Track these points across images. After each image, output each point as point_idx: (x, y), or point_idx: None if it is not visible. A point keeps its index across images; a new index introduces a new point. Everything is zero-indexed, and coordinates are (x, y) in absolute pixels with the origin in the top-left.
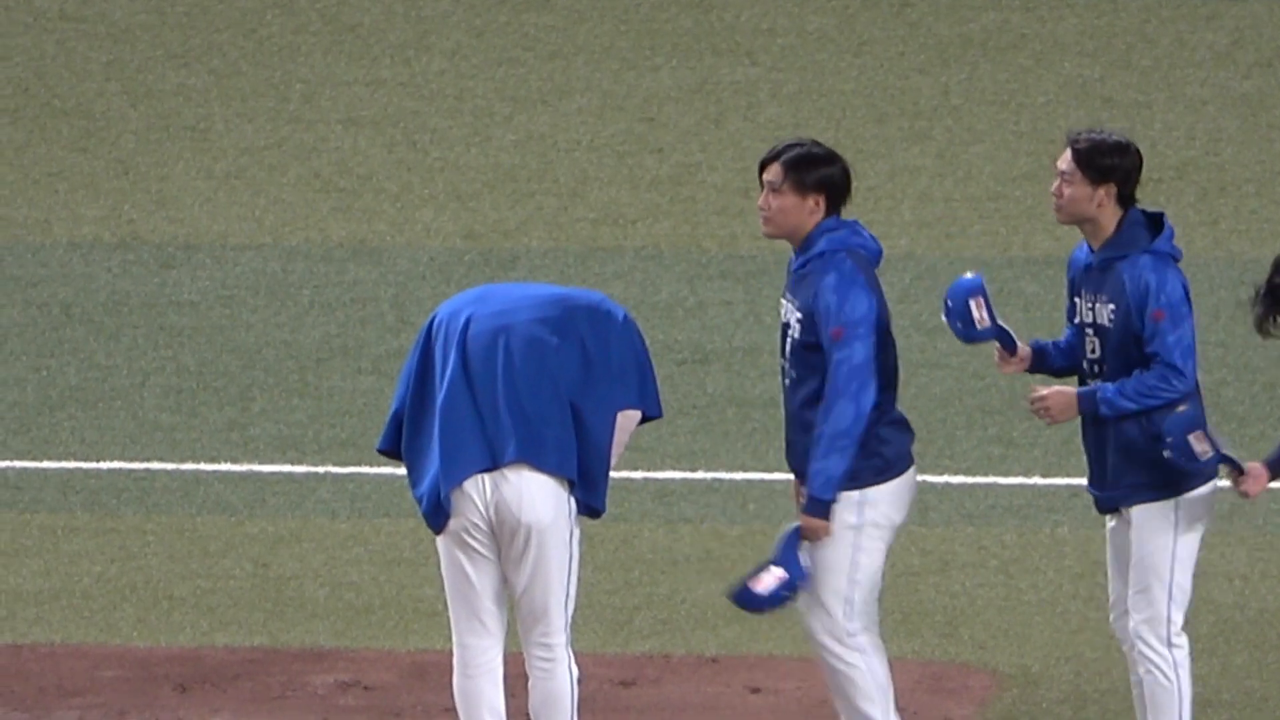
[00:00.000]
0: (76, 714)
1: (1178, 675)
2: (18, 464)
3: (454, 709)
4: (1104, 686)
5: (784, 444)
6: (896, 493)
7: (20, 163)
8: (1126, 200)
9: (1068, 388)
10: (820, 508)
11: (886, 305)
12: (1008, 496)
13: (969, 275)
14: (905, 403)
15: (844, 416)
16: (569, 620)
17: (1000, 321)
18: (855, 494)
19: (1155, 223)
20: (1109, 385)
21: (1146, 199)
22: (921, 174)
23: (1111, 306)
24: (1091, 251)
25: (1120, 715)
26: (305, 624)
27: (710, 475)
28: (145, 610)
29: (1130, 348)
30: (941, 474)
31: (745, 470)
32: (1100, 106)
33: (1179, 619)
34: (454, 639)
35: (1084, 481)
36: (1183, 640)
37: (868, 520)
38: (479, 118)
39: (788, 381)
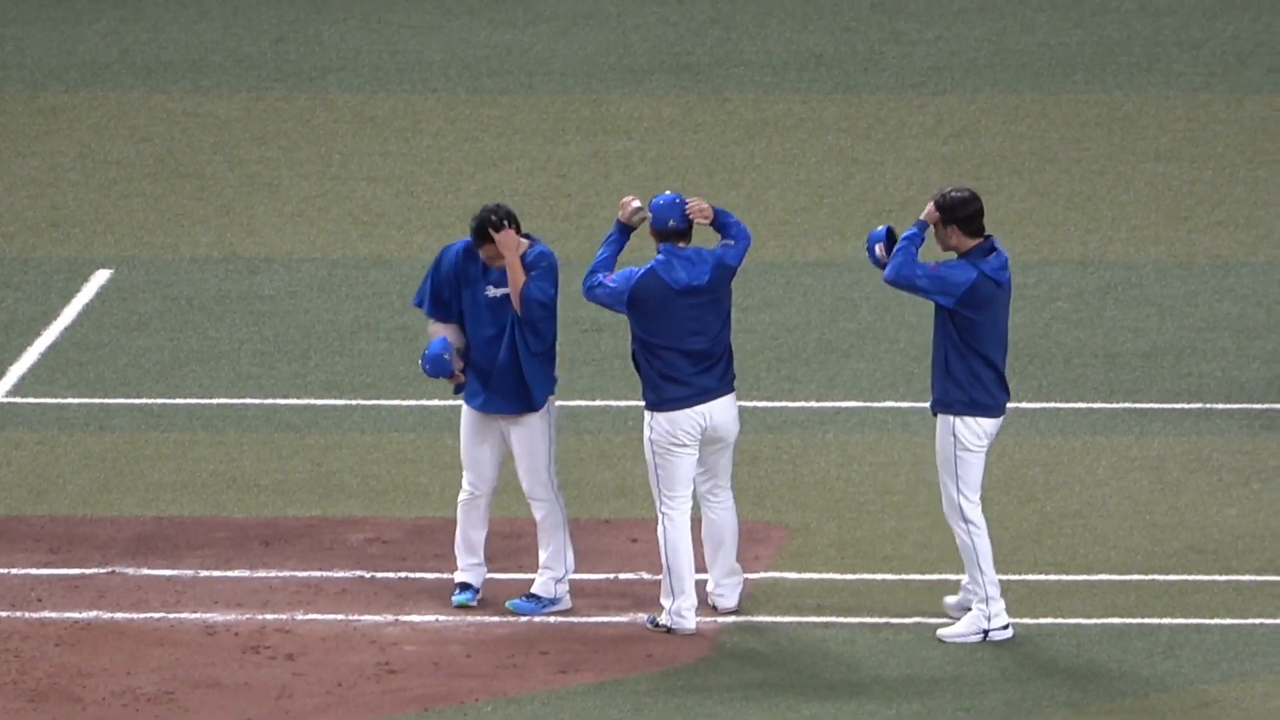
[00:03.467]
0: (198, 561)
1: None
2: (159, 400)
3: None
4: (858, 535)
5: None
6: (668, 420)
7: (158, 208)
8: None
9: None
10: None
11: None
12: (794, 414)
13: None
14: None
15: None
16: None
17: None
18: (647, 414)
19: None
20: None
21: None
22: (737, 209)
23: None
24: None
25: (869, 556)
26: (345, 501)
27: (602, 403)
28: (241, 493)
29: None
30: (750, 400)
31: (625, 399)
32: (850, 165)
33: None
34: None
35: (840, 404)
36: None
37: (649, 435)
38: (453, 176)
39: None
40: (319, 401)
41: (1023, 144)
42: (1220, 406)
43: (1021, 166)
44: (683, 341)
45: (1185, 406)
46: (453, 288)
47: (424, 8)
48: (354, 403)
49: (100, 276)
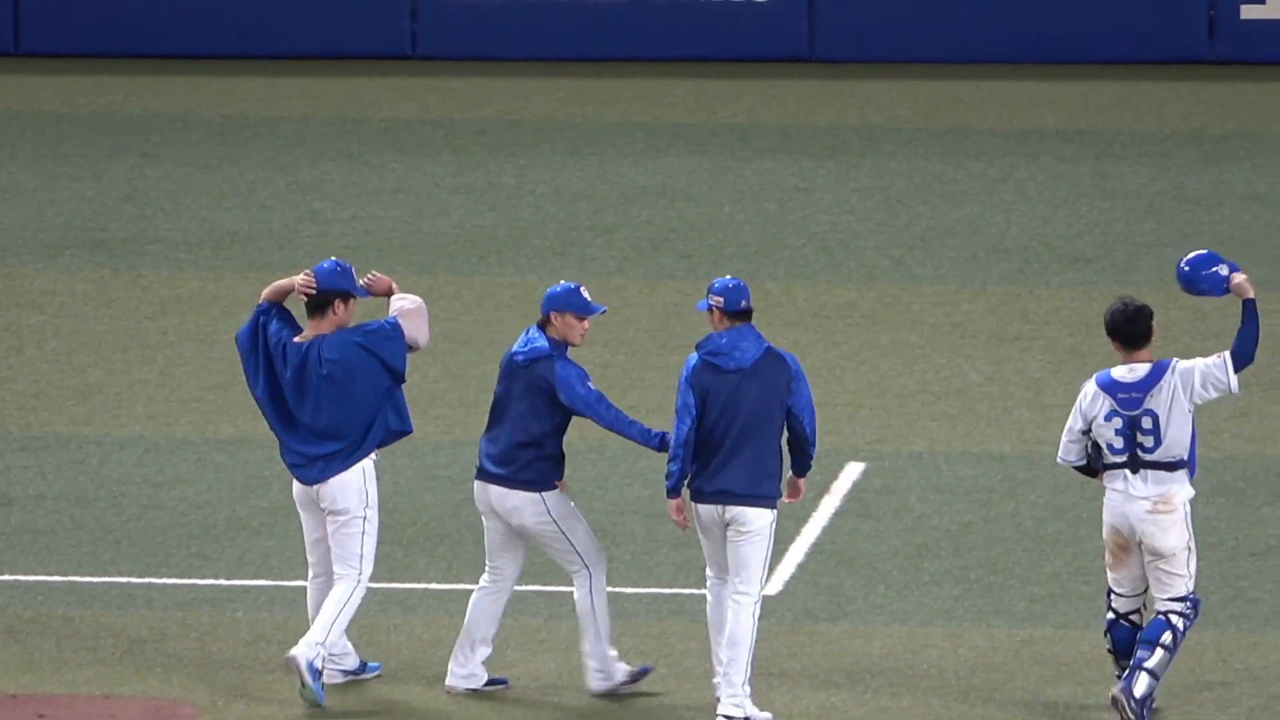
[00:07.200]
0: None
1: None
2: None
3: None
4: (265, 713)
5: None
6: None
7: None
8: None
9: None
10: None
11: None
12: (203, 591)
13: None
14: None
15: None
16: None
17: None
18: None
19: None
20: None
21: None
22: (149, 385)
23: None
24: None
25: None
26: None
27: (12, 578)
28: None
29: None
30: (160, 577)
31: (34, 574)
32: None
33: None
34: None
35: (250, 583)
36: None
37: None
38: (98, 353)
39: None
40: None
41: (436, 325)
42: (630, 590)
43: (435, 349)
44: None
45: None
46: None
47: None
48: None
49: None
